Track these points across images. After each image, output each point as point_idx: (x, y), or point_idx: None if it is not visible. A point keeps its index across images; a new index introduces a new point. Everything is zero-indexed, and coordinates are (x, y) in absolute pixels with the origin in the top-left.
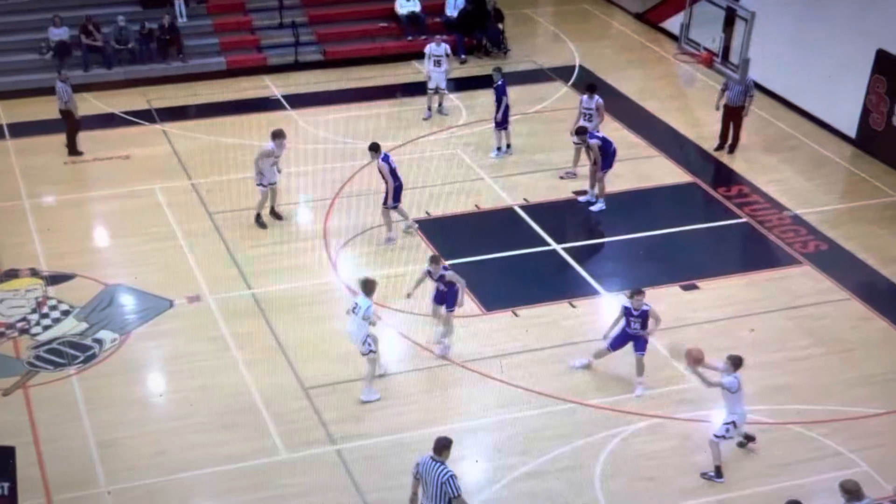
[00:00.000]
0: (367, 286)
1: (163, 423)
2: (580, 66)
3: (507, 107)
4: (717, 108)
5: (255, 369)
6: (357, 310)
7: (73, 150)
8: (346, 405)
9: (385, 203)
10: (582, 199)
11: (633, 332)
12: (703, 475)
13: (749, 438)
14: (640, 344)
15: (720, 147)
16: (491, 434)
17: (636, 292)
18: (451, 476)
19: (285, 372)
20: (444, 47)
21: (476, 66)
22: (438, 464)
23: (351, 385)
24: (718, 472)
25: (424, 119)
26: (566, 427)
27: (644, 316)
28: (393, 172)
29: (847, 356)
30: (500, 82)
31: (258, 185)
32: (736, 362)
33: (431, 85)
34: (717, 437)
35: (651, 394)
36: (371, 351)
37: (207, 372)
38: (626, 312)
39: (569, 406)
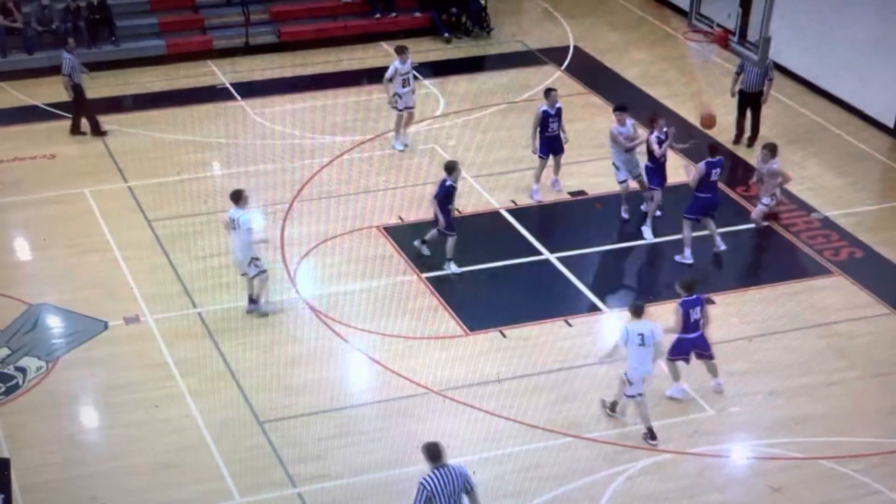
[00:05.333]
0: (236, 196)
1: (96, 465)
2: (575, 48)
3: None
4: (733, 95)
5: (203, 400)
6: (236, 224)
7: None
8: (308, 441)
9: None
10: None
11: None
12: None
13: (651, 435)
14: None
15: (738, 139)
16: (474, 474)
17: None
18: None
19: (238, 403)
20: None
21: (455, 49)
22: (446, 468)
23: (313, 417)
24: (612, 407)
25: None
26: (562, 465)
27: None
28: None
29: (886, 380)
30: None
31: (393, 108)
32: (637, 309)
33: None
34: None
35: (660, 425)
36: (262, 271)
37: (148, 404)
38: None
39: (565, 440)
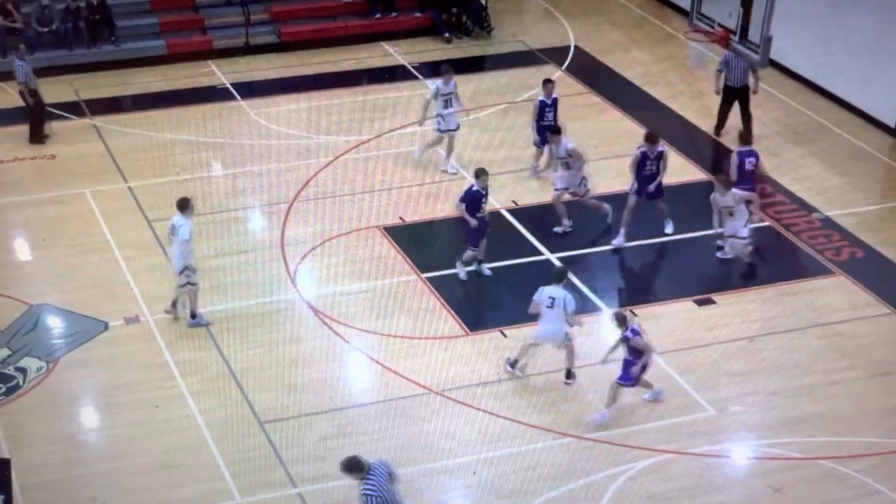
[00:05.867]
0: (182, 203)
1: (96, 465)
2: (575, 47)
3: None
4: (717, 93)
5: (203, 400)
6: (175, 232)
7: (35, 135)
8: (308, 442)
9: None
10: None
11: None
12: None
13: (569, 376)
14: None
15: (718, 131)
16: (473, 474)
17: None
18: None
19: (238, 403)
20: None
21: (455, 49)
22: (373, 469)
23: (314, 418)
24: (513, 364)
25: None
26: (562, 465)
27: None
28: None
29: (886, 380)
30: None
31: (436, 130)
32: (558, 274)
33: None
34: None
35: (661, 425)
36: (190, 283)
37: (148, 404)
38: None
39: (565, 440)
